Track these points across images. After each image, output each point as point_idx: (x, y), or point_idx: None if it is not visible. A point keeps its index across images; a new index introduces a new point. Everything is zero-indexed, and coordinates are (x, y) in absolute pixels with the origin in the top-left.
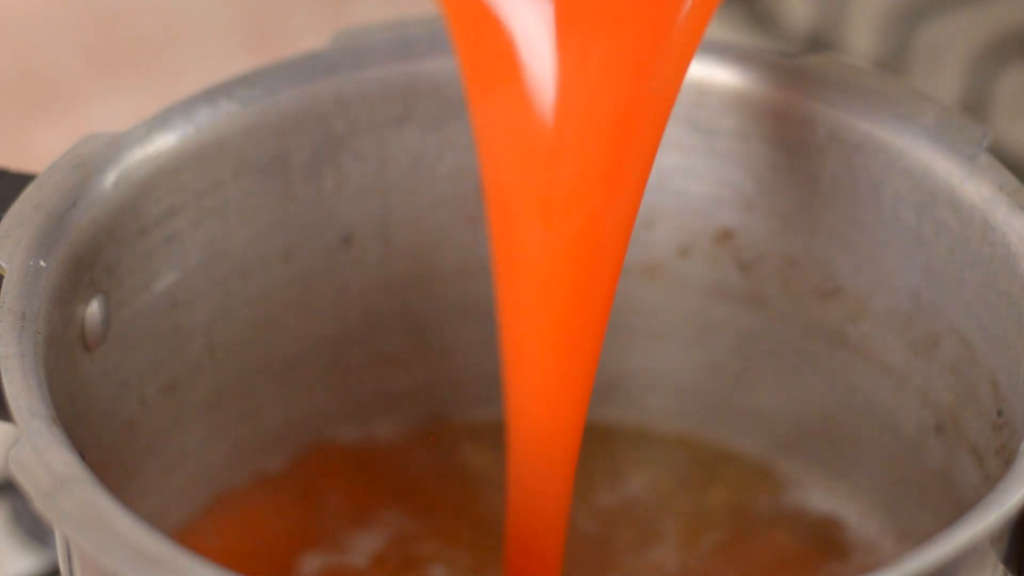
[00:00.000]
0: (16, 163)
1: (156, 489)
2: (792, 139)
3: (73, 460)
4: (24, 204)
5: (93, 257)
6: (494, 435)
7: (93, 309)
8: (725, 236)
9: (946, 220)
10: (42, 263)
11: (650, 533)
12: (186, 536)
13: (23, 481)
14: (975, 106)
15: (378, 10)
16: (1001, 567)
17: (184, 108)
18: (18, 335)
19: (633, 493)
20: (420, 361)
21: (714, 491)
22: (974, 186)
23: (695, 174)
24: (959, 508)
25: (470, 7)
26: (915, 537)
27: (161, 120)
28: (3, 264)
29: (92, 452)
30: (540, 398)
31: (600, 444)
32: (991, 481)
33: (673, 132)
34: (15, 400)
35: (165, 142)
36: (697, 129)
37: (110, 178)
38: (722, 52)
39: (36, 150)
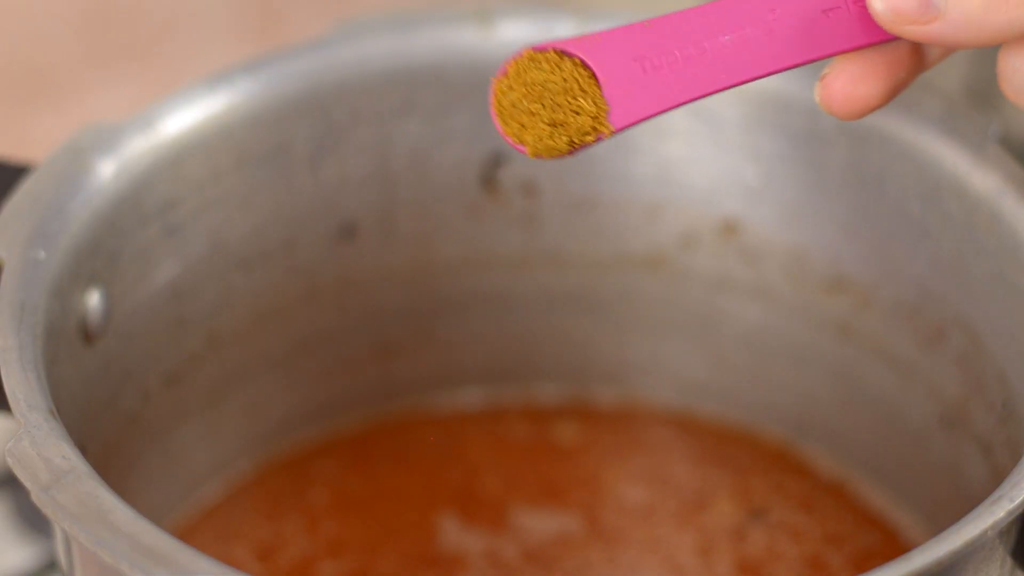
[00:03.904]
0: (15, 153)
1: (158, 482)
2: (798, 130)
3: (71, 453)
4: (23, 195)
5: (93, 248)
6: (494, 423)
7: (94, 301)
8: (730, 227)
9: (953, 211)
10: (42, 254)
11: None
12: (188, 530)
13: (21, 475)
14: (982, 93)
15: (381, 0)
16: (1009, 560)
17: (185, 98)
18: (17, 327)
19: (635, 477)
20: (422, 351)
21: (717, 479)
22: (981, 177)
23: (700, 165)
24: (966, 499)
25: None
26: (926, 527)
27: (162, 110)
28: (2, 255)
29: (93, 445)
30: None
31: (601, 430)
32: (998, 473)
33: (679, 122)
34: (13, 393)
35: (166, 132)
36: (703, 119)
37: (110, 168)
38: None
39: (35, 140)
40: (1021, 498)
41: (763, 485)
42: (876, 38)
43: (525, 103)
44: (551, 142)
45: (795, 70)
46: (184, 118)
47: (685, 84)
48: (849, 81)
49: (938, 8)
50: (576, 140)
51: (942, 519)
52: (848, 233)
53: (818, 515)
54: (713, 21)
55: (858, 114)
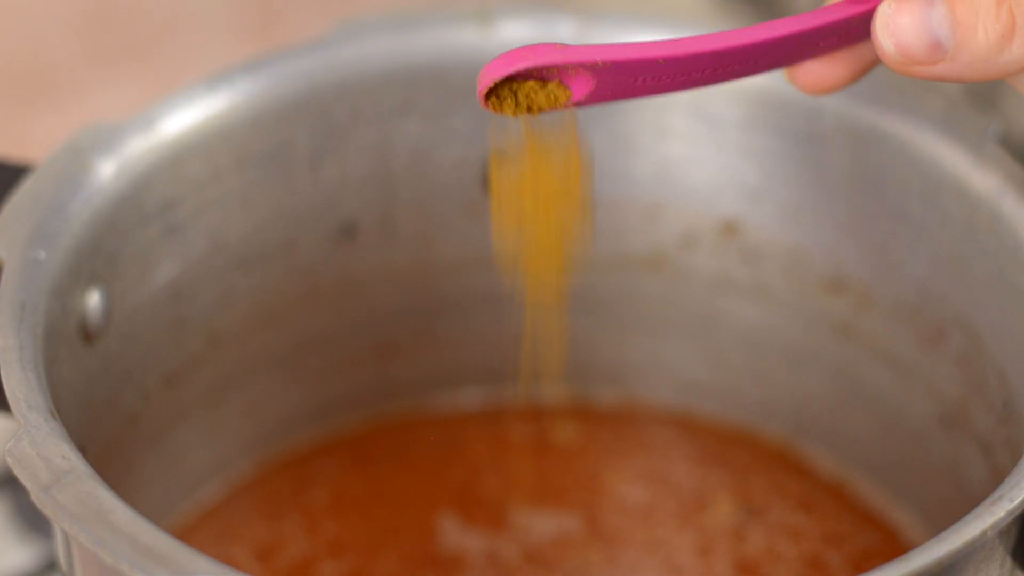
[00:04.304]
0: (15, 153)
1: (158, 482)
2: (798, 129)
3: (71, 453)
4: (24, 195)
5: (94, 248)
6: (494, 423)
7: (94, 301)
8: (730, 228)
9: (952, 211)
10: (42, 254)
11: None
12: (187, 530)
13: (21, 475)
14: (982, 95)
15: (381, 0)
16: (1009, 560)
17: (185, 98)
18: (17, 327)
19: (635, 478)
20: (422, 351)
21: (717, 479)
22: (981, 176)
23: (701, 165)
24: (966, 499)
25: None
26: (925, 527)
27: (162, 110)
28: (3, 255)
29: (93, 445)
30: None
31: (601, 430)
32: (997, 473)
33: (679, 122)
34: (13, 393)
35: (166, 132)
36: (703, 119)
37: (111, 168)
38: None
39: (36, 140)
40: (1021, 498)
41: (763, 485)
42: (854, 43)
43: (511, 108)
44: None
45: None
46: (184, 118)
47: (656, 89)
48: (816, 65)
49: (946, 50)
50: None
51: (942, 519)
52: (848, 233)
53: (817, 515)
54: (719, 63)
55: (824, 92)
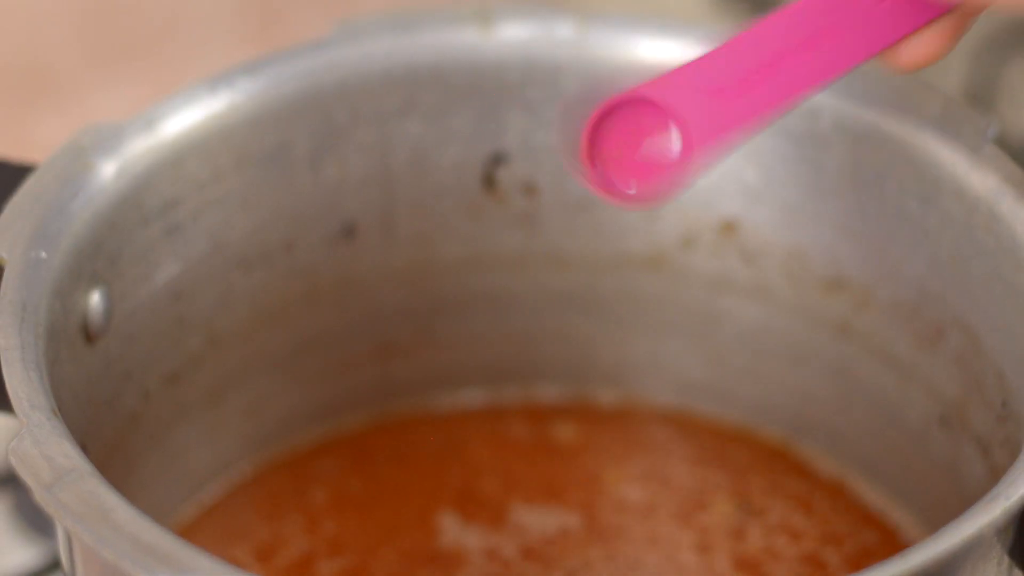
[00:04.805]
0: (17, 153)
1: (158, 481)
2: (797, 130)
3: (74, 452)
4: (25, 195)
5: (94, 248)
6: (495, 424)
7: (95, 300)
8: (730, 227)
9: (951, 211)
10: (43, 254)
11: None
12: (187, 529)
13: (23, 474)
14: (980, 96)
15: (381, 0)
16: (1007, 559)
17: (186, 98)
18: (19, 326)
19: (637, 477)
20: (422, 351)
21: (716, 479)
22: (979, 177)
23: None
24: (964, 499)
25: None
26: (924, 527)
27: (163, 110)
28: (4, 255)
29: (94, 444)
30: None
31: (601, 430)
32: (996, 472)
33: None
34: (15, 392)
35: (167, 132)
36: None
37: (111, 168)
38: None
39: (37, 140)
40: (1018, 497)
41: (762, 485)
42: (929, 18)
43: None
44: None
45: None
46: (185, 118)
47: (749, 106)
48: (915, 46)
49: None
50: None
51: (940, 518)
52: (847, 233)
53: (816, 514)
54: (770, 41)
55: (925, 66)
